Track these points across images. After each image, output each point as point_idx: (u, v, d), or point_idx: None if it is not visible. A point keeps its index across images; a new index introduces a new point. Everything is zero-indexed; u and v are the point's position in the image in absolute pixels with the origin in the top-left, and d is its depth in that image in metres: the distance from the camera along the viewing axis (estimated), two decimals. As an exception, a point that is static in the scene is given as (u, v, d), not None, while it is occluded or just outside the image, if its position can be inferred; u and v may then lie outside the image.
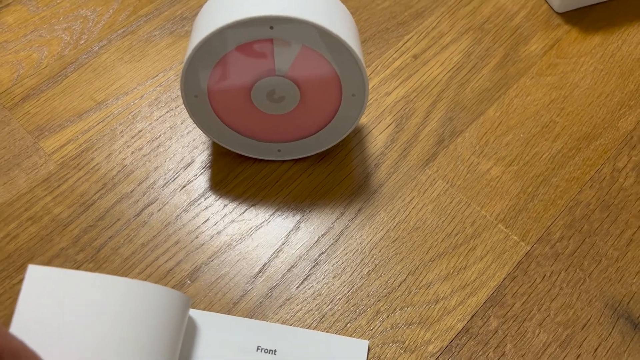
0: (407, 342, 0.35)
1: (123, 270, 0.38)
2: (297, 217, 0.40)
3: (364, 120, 0.44)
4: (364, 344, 0.35)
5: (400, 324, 0.36)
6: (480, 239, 0.39)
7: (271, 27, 0.33)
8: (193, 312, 0.35)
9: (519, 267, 0.38)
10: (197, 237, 0.39)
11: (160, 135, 0.44)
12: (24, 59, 0.48)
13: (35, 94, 0.46)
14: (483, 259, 0.38)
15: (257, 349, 0.34)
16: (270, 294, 0.37)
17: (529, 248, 0.39)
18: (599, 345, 0.35)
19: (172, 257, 0.38)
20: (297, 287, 0.37)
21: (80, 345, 0.28)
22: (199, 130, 0.42)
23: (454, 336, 0.36)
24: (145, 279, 0.37)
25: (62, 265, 0.38)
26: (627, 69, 0.47)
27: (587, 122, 0.44)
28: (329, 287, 0.37)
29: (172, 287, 0.37)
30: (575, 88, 0.46)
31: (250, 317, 0.36)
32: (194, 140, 0.43)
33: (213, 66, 0.35)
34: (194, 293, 0.37)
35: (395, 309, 0.36)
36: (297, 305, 0.37)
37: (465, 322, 0.36)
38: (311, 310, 0.36)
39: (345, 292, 0.37)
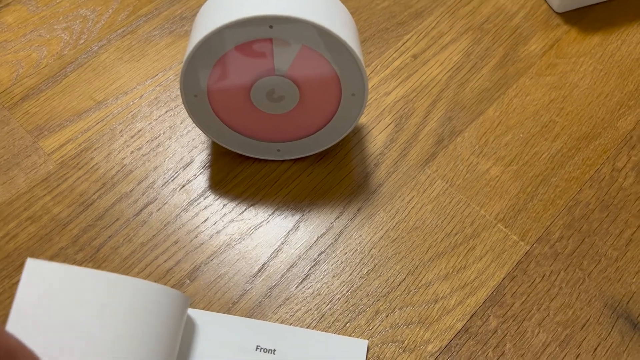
0: (406, 341, 0.35)
1: (122, 269, 0.38)
2: (297, 217, 0.40)
3: (363, 119, 0.44)
4: (363, 343, 0.35)
5: (399, 324, 0.36)
6: (479, 238, 0.39)
7: (270, 27, 0.33)
8: (192, 312, 0.35)
9: (519, 267, 0.38)
10: (196, 237, 0.39)
11: (159, 135, 0.44)
12: (23, 59, 0.48)
13: (34, 94, 0.46)
14: (482, 259, 0.38)
15: (257, 348, 0.34)
16: (269, 293, 0.37)
17: (528, 248, 0.39)
18: (598, 345, 0.35)
19: (171, 257, 0.38)
20: (297, 287, 0.37)
21: (78, 342, 0.28)
22: (199, 129, 0.42)
23: (453, 336, 0.36)
24: (144, 279, 0.37)
25: (62, 264, 0.38)
26: (626, 69, 0.47)
27: (586, 122, 0.44)
28: (328, 287, 0.37)
29: (172, 287, 0.37)
30: (574, 88, 0.46)
31: (250, 317, 0.36)
32: (193, 139, 0.43)
33: (212, 66, 0.35)
34: (193, 292, 0.37)
35: (394, 309, 0.36)
36: (297, 304, 0.37)
37: (465, 321, 0.36)
38: (310, 309, 0.36)
39: (344, 291, 0.37)
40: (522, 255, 0.38)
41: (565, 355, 0.35)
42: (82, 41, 0.49)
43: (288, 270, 0.38)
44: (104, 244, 0.39)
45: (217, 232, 0.39)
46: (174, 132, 0.44)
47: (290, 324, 0.36)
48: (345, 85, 0.37)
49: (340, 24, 0.35)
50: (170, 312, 0.31)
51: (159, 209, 0.40)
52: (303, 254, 0.39)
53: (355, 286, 0.37)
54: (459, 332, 0.36)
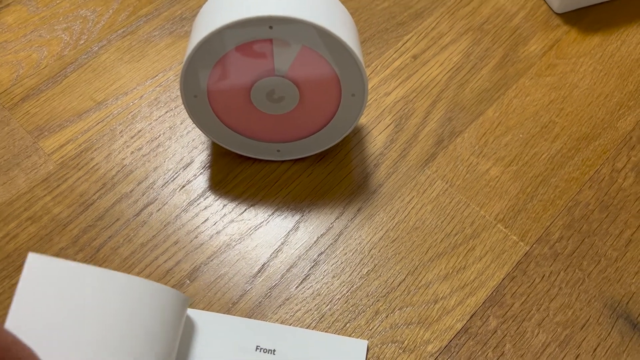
0: (406, 342, 0.35)
1: (122, 270, 0.38)
2: (297, 217, 0.40)
3: (363, 120, 0.44)
4: (363, 343, 0.35)
5: (399, 324, 0.36)
6: (479, 239, 0.39)
7: (270, 27, 0.33)
8: (192, 312, 0.35)
9: (518, 267, 0.38)
10: (196, 237, 0.39)
11: (159, 135, 0.44)
12: (23, 59, 0.48)
13: (34, 94, 0.46)
14: (482, 259, 0.38)
15: (256, 348, 0.34)
16: (269, 293, 0.37)
17: (528, 248, 0.39)
18: (598, 345, 0.35)
19: (171, 257, 0.38)
20: (296, 287, 0.37)
21: (76, 339, 0.28)
22: (199, 130, 0.42)
23: (453, 336, 0.36)
24: (144, 279, 0.37)
25: (62, 265, 0.38)
26: (626, 70, 0.47)
27: (586, 123, 0.44)
28: (328, 287, 0.37)
29: (172, 287, 0.37)
30: (574, 88, 0.46)
31: (250, 317, 0.36)
32: (193, 140, 0.43)
33: (212, 66, 0.35)
34: (193, 293, 0.37)
35: (394, 309, 0.36)
36: (296, 305, 0.37)
37: (465, 322, 0.36)
38: (310, 310, 0.37)
39: (344, 292, 0.37)
40: (521, 256, 0.38)
41: (565, 356, 0.35)
42: (82, 42, 0.49)
43: (288, 270, 0.38)
44: (104, 244, 0.39)
45: (217, 233, 0.39)
46: (174, 133, 0.44)
47: (290, 324, 0.36)
48: (345, 85, 0.37)
49: (340, 25, 0.35)
50: (169, 312, 0.31)
51: (159, 210, 0.40)
52: (303, 254, 0.39)
53: (355, 286, 0.37)
54: (458, 332, 0.36)
